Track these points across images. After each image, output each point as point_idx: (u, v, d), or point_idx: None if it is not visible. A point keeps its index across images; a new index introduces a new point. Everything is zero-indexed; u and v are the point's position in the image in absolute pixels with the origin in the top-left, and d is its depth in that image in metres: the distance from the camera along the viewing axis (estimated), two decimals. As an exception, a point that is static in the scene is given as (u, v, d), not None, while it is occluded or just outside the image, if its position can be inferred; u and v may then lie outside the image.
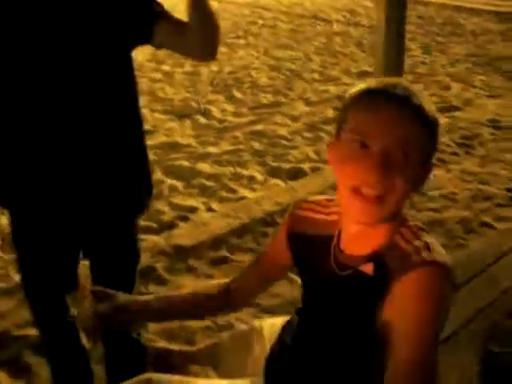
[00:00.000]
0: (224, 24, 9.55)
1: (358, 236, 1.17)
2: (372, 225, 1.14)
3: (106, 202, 1.87)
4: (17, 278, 3.23)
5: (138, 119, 1.88)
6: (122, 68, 1.78)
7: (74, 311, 1.34)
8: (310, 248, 1.29)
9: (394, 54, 3.83)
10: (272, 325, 1.56)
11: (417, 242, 1.10)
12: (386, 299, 1.08)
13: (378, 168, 1.05)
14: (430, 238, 1.12)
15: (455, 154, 4.73)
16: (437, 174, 4.28)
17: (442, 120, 5.43)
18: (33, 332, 2.70)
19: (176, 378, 1.59)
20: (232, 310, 1.65)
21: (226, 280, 1.52)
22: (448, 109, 5.74)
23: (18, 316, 2.94)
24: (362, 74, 6.66)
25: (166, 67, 7.21)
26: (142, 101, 5.27)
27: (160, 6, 1.74)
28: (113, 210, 1.90)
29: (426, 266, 1.06)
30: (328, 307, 1.23)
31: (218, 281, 1.56)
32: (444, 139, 4.92)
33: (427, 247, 1.09)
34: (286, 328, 1.40)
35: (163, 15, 1.72)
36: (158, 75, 6.94)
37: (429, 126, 1.10)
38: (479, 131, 5.23)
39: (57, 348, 2.19)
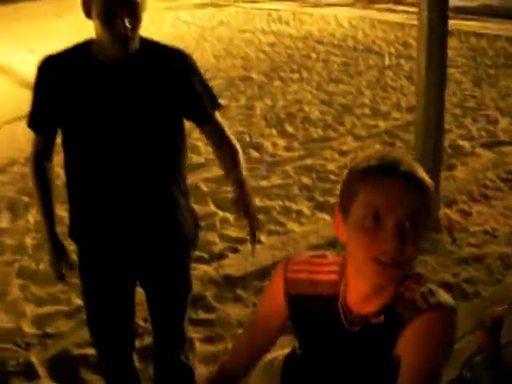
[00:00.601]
0: (279, 58, 9.90)
1: (370, 295, 1.30)
2: (386, 285, 1.28)
3: (159, 238, 2.17)
4: (78, 301, 3.51)
5: (183, 172, 2.21)
6: (177, 133, 2.14)
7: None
8: (312, 307, 1.40)
9: (435, 93, 3.99)
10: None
11: (421, 289, 1.27)
12: (398, 340, 1.25)
13: (394, 240, 1.19)
14: (431, 285, 1.29)
15: (499, 189, 4.80)
16: (479, 209, 4.40)
17: (488, 155, 5.52)
18: (90, 351, 2.93)
19: None
20: None
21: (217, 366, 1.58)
22: (495, 144, 5.79)
23: (77, 336, 3.19)
24: (411, 109, 6.77)
25: (221, 101, 7.46)
26: (197, 134, 5.56)
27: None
28: (165, 245, 2.20)
29: (432, 309, 1.23)
30: (338, 357, 1.37)
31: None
32: (488, 174, 5.01)
33: (431, 293, 1.26)
34: (287, 370, 1.60)
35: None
36: (214, 109, 7.21)
37: (428, 194, 1.25)
38: (525, 167, 5.24)
39: (113, 369, 2.41)
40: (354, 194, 1.26)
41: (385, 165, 1.24)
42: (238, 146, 2.22)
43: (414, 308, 1.25)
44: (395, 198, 1.21)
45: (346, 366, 1.37)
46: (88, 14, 1.95)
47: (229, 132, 2.22)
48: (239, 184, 2.22)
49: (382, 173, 1.23)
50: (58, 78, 2.01)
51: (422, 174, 1.25)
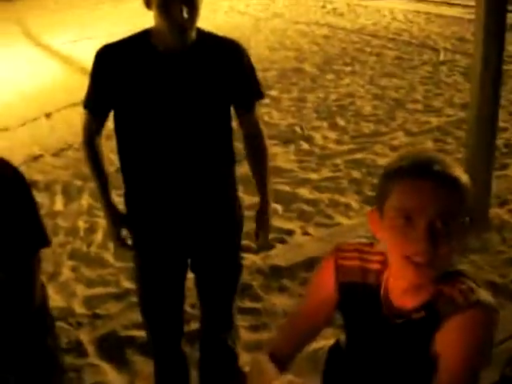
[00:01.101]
0: (332, 51, 9.84)
1: (408, 291, 1.32)
2: (423, 284, 1.30)
3: (213, 217, 2.25)
4: (127, 284, 3.61)
5: (232, 155, 2.28)
6: (228, 118, 2.22)
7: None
8: (360, 296, 1.42)
9: (490, 89, 3.92)
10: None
11: (462, 286, 1.27)
12: (436, 336, 1.25)
13: (425, 241, 1.20)
14: (471, 283, 1.29)
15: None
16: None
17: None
18: (138, 333, 3.04)
19: None
20: None
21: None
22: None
23: (125, 318, 3.29)
24: (465, 106, 6.66)
25: (273, 92, 7.47)
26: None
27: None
28: (219, 225, 2.28)
29: (471, 307, 1.23)
30: (380, 348, 1.39)
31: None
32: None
33: (471, 290, 1.26)
34: (330, 360, 1.60)
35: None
36: (266, 100, 7.22)
37: (463, 192, 1.25)
38: None
39: (162, 352, 2.48)
40: (386, 194, 1.28)
41: (416, 164, 1.25)
42: (268, 150, 2.32)
43: (452, 305, 1.24)
44: (426, 198, 1.22)
45: (387, 358, 1.38)
46: (148, 4, 2.01)
47: (265, 131, 2.30)
48: (262, 188, 2.32)
49: (412, 173, 1.24)
50: (117, 65, 2.07)
51: (457, 172, 1.25)
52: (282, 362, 1.52)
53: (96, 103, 2.18)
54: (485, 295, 1.26)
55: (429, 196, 1.22)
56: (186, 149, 2.12)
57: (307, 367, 1.69)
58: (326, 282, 1.49)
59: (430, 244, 1.21)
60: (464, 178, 1.26)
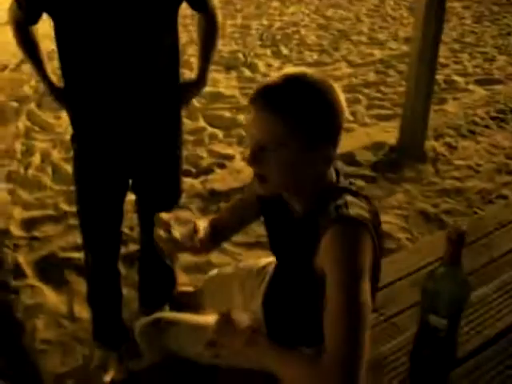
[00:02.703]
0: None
1: (290, 199, 1.43)
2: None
3: (152, 137, 2.19)
4: (65, 207, 3.58)
5: (177, 60, 2.19)
6: (170, 20, 2.10)
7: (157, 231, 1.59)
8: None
9: (433, 25, 3.97)
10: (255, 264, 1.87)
11: (338, 202, 1.29)
12: (319, 249, 1.28)
13: (249, 162, 1.31)
14: (350, 198, 1.31)
15: (487, 126, 4.84)
16: (465, 144, 4.46)
17: (481, 92, 5.54)
18: (75, 255, 3.04)
19: (185, 316, 1.84)
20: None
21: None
22: (488, 81, 5.80)
23: (63, 240, 3.27)
24: (409, 40, 6.70)
25: (217, 18, 7.34)
26: (191, 50, 5.54)
27: None
28: (157, 146, 2.23)
29: (338, 221, 1.25)
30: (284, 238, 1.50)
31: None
32: (479, 111, 5.05)
33: (345, 205, 1.28)
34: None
35: None
36: (210, 26, 7.10)
37: (287, 118, 1.26)
38: (516, 106, 5.27)
39: (98, 270, 2.46)
40: None
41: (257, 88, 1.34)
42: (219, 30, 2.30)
43: (327, 219, 1.27)
44: (250, 124, 1.33)
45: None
46: None
47: (219, 15, 2.31)
48: (204, 64, 2.27)
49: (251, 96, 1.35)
50: None
51: (291, 97, 1.27)
52: (218, 232, 1.70)
53: (29, 3, 2.00)
54: (356, 210, 1.28)
55: (251, 122, 1.32)
56: (130, 59, 2.00)
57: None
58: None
59: (253, 166, 1.32)
60: (297, 103, 1.26)
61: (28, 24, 2.08)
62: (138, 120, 2.12)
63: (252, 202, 1.65)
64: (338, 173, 1.41)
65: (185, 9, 2.10)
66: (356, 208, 1.28)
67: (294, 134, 1.26)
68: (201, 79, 2.29)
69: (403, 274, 1.99)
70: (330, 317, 1.19)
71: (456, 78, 5.83)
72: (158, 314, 1.88)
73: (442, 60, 5.49)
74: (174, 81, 2.20)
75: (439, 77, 5.37)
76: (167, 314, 1.99)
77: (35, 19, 2.05)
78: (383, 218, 1.62)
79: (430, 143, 4.42)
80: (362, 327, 1.16)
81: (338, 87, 1.32)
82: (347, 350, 1.14)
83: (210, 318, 1.77)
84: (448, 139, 4.56)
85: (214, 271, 2.07)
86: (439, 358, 1.47)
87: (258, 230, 3.33)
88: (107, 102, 2.08)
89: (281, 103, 1.26)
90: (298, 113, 1.25)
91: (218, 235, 1.71)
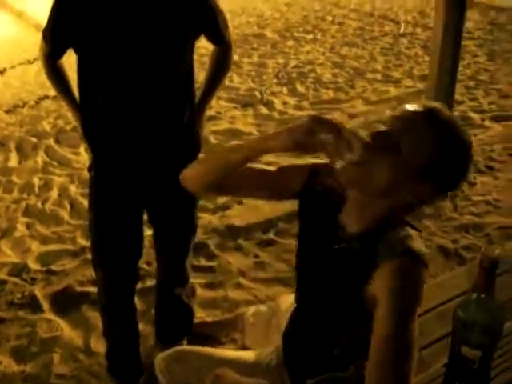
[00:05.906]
0: (294, 18, 9.81)
1: (346, 213, 1.41)
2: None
3: (167, 165, 2.17)
4: (82, 241, 3.58)
5: (193, 93, 2.25)
6: (189, 54, 2.15)
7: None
8: (320, 203, 1.50)
9: (449, 63, 4.00)
10: (286, 300, 1.84)
11: (401, 234, 1.31)
12: (375, 275, 1.28)
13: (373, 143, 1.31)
14: (413, 231, 1.33)
15: (504, 162, 4.79)
16: (483, 180, 4.43)
17: (497, 128, 5.52)
18: (93, 289, 3.02)
19: (206, 349, 1.80)
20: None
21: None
22: (504, 118, 5.80)
23: (80, 274, 3.26)
24: (424, 78, 6.74)
25: (234, 57, 7.41)
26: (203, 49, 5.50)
27: None
28: (172, 176, 2.22)
29: (402, 254, 1.26)
30: (325, 269, 1.45)
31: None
32: (495, 147, 5.03)
33: (408, 238, 1.30)
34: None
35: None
36: (226, 64, 7.18)
37: None
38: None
39: (112, 304, 2.45)
40: None
41: None
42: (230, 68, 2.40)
43: (389, 250, 1.28)
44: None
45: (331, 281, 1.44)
46: None
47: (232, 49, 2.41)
48: (207, 96, 2.33)
49: None
50: (78, 3, 1.97)
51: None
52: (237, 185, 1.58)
53: (55, 37, 2.07)
54: (419, 245, 1.30)
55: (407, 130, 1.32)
56: (147, 92, 2.05)
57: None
58: (301, 170, 1.59)
59: (372, 150, 1.28)
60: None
61: (54, 58, 2.13)
62: (153, 150, 2.15)
63: (281, 184, 1.59)
64: None
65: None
66: (419, 243, 1.31)
67: (436, 166, 1.31)
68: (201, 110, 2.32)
69: (428, 307, 1.96)
70: (379, 344, 1.18)
71: (472, 114, 5.82)
72: (178, 348, 1.85)
73: (457, 97, 5.49)
74: (190, 113, 2.22)
75: (455, 113, 5.37)
76: (188, 347, 1.96)
77: (60, 53, 2.11)
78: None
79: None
80: (411, 358, 1.16)
81: None
82: (394, 376, 1.14)
83: (229, 353, 1.77)
84: (466, 175, 4.52)
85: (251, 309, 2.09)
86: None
87: (276, 265, 3.33)
88: (125, 134, 2.13)
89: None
90: (452, 156, 1.36)
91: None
